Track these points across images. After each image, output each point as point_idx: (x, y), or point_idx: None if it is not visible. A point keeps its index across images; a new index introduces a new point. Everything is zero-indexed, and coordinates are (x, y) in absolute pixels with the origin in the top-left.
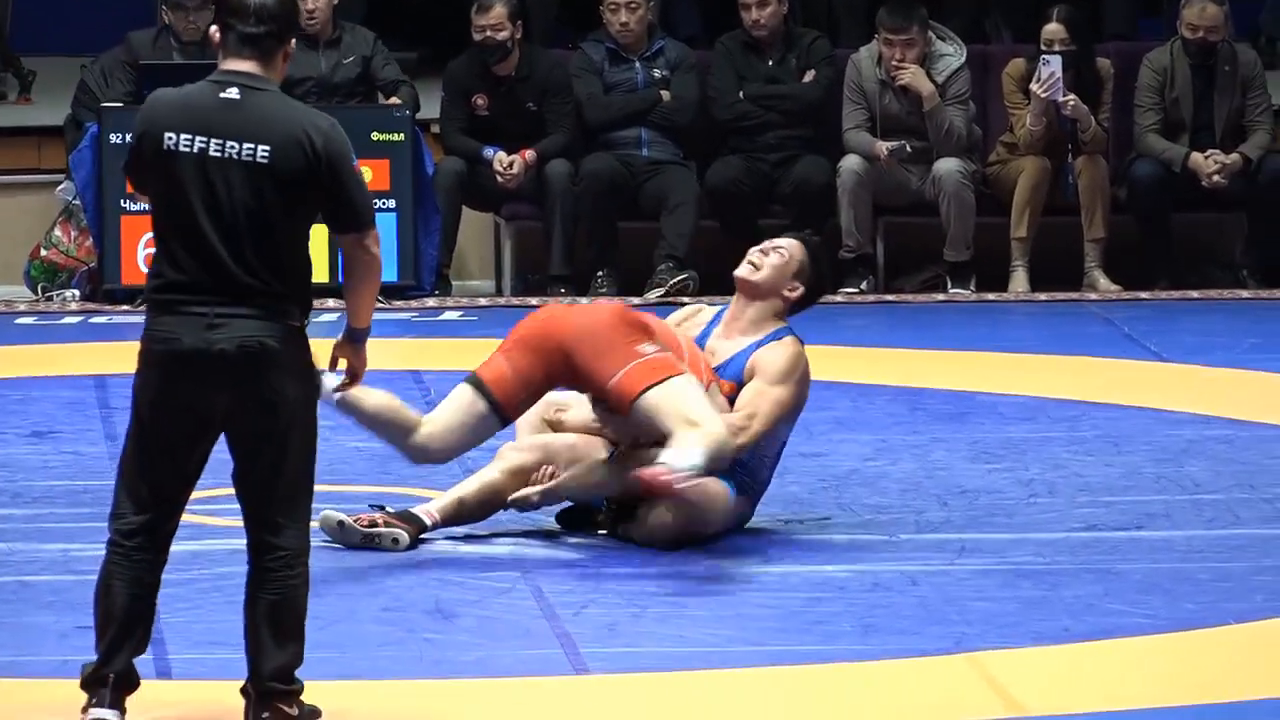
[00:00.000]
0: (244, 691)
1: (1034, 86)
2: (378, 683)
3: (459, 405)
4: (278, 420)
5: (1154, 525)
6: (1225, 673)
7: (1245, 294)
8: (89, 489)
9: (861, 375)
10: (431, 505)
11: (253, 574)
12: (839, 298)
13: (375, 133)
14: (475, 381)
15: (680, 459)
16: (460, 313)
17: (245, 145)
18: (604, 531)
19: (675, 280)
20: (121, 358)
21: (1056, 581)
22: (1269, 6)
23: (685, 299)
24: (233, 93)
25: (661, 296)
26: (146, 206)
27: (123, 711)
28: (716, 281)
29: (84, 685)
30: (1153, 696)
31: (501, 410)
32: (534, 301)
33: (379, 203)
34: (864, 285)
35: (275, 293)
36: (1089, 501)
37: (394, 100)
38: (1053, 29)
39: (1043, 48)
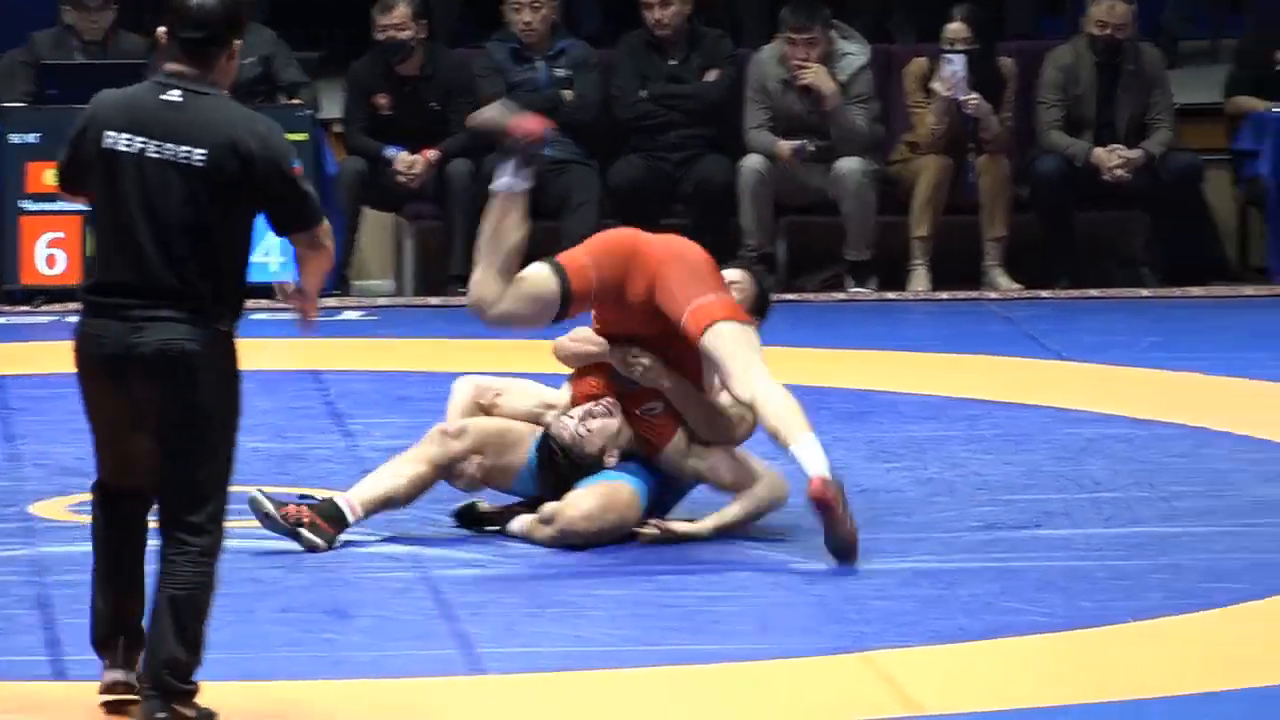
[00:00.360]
0: (140, 687)
1: (936, 85)
2: (275, 683)
3: (535, 279)
4: (195, 423)
5: (1052, 524)
6: (1121, 671)
7: (1146, 292)
8: None
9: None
10: (354, 499)
11: (162, 569)
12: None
13: None
14: (555, 265)
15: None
16: (360, 313)
17: (182, 148)
18: (497, 528)
19: None
20: (20, 359)
21: (954, 580)
22: (1171, 6)
23: None
24: (174, 95)
25: None
26: (46, 207)
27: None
28: None
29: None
30: (1049, 695)
31: (568, 300)
32: (434, 301)
33: None
34: None
35: (203, 296)
36: (988, 500)
37: (295, 100)
38: (955, 28)
39: (945, 47)
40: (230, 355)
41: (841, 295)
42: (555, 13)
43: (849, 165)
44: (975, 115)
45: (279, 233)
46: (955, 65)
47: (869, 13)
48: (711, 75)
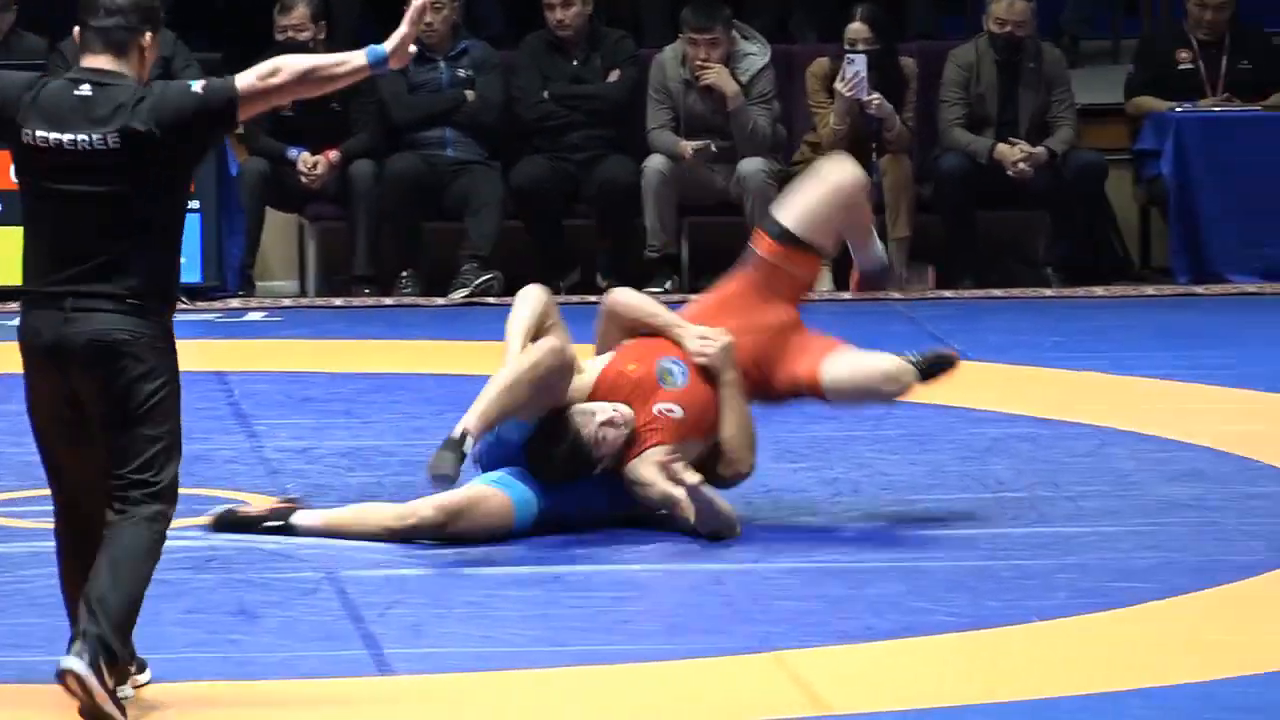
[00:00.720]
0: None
1: (839, 85)
2: (182, 684)
3: None
4: (132, 411)
5: (958, 523)
6: (1029, 670)
7: (1049, 292)
8: None
9: None
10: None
11: (109, 536)
12: None
13: None
14: None
15: None
16: (264, 313)
17: (95, 137)
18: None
19: (480, 280)
20: None
21: (861, 580)
22: (1071, 6)
23: (490, 299)
24: (85, 89)
25: (466, 297)
26: None
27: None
28: (521, 282)
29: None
30: (957, 694)
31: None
32: (338, 302)
33: None
34: (669, 285)
35: (134, 286)
36: (893, 500)
37: None
38: (856, 28)
39: (846, 47)
40: (165, 340)
41: None
42: (457, 13)
43: (751, 166)
44: (878, 115)
45: (230, 122)
46: (857, 65)
47: (770, 13)
48: (614, 76)
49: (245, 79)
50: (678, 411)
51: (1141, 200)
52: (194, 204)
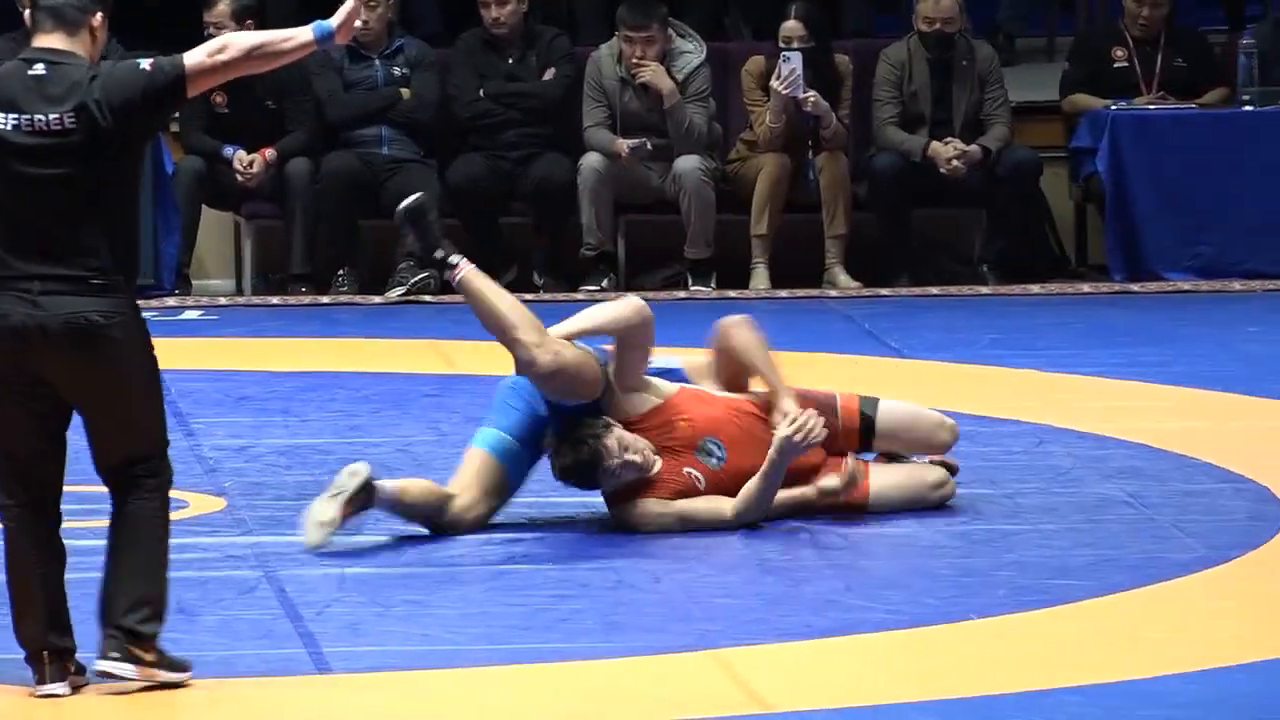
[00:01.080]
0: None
1: (774, 83)
2: (118, 683)
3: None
4: (113, 391)
5: (896, 521)
6: (967, 667)
7: (985, 290)
8: None
9: None
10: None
11: (118, 520)
12: (580, 295)
13: None
14: None
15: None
16: (200, 312)
17: (51, 116)
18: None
19: (416, 279)
20: None
21: (799, 578)
22: (1007, 3)
23: (426, 298)
24: (39, 69)
25: (403, 295)
26: None
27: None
28: None
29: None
30: (896, 692)
31: None
32: (274, 300)
33: None
34: (605, 283)
35: (99, 265)
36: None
37: None
38: (791, 26)
39: (781, 45)
40: (134, 315)
41: (682, 294)
42: (392, 11)
43: (688, 164)
44: (814, 113)
45: (180, 99)
46: (793, 63)
47: (705, 11)
48: (549, 74)
49: (194, 56)
50: (702, 483)
51: (1077, 198)
52: None
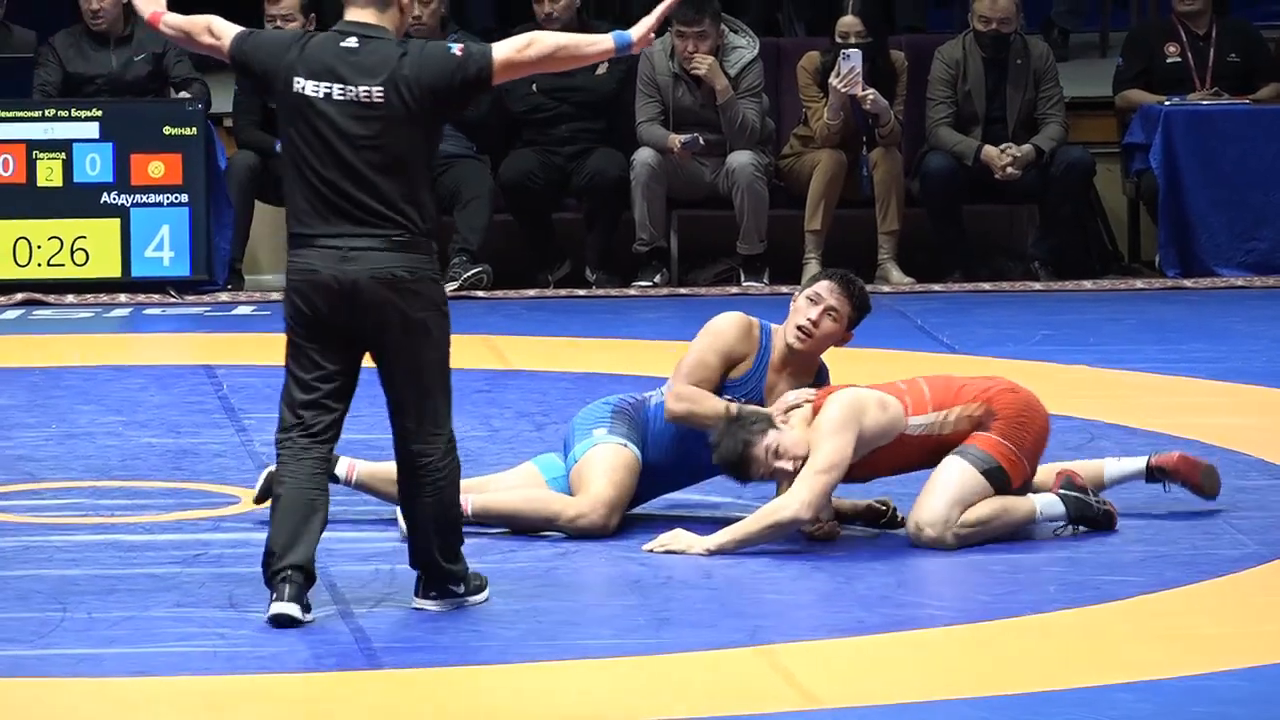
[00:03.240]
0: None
1: (834, 81)
2: (172, 678)
3: None
4: (409, 342)
5: None
6: (1018, 663)
7: (1037, 286)
8: None
9: (653, 369)
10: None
11: (406, 483)
12: (633, 291)
13: (167, 127)
14: None
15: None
16: (253, 307)
17: (362, 88)
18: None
19: (469, 274)
20: None
21: (851, 574)
22: (1061, 0)
23: (479, 293)
24: (351, 42)
25: (455, 290)
26: None
27: (305, 606)
28: (511, 276)
29: (266, 582)
30: (946, 688)
31: None
32: None
33: (171, 197)
34: (658, 278)
35: (405, 225)
36: (882, 493)
37: (184, 95)
38: (848, 21)
39: (838, 40)
40: (435, 275)
41: (734, 289)
42: (445, 6)
43: (741, 159)
44: (873, 111)
45: (479, 89)
46: (853, 61)
47: (759, 7)
48: (602, 69)
49: (502, 49)
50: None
51: (1130, 194)
52: (182, 197)
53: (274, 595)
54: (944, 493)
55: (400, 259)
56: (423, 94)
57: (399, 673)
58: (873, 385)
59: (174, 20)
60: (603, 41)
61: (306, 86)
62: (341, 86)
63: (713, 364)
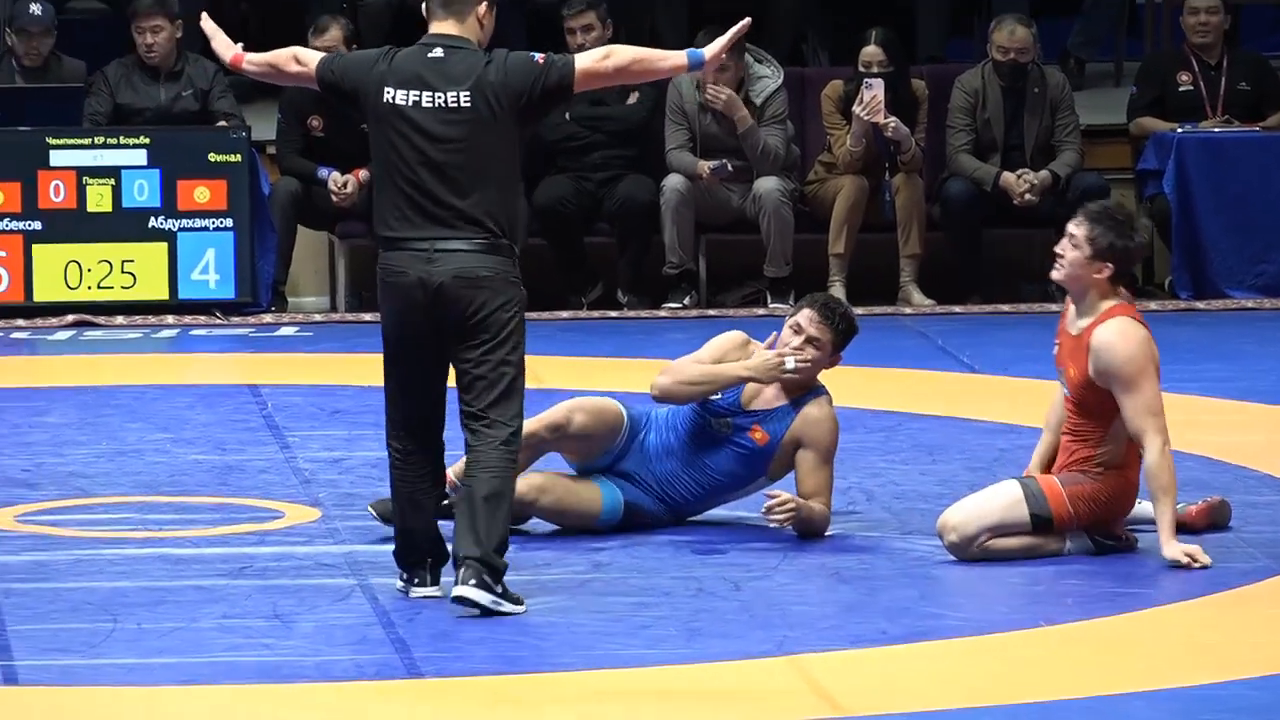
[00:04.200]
0: (454, 559)
1: (857, 109)
2: (219, 687)
3: None
4: (487, 340)
5: None
6: (1036, 673)
7: (1054, 308)
8: None
9: None
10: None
11: (473, 471)
12: (663, 313)
13: (212, 154)
14: None
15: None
16: (296, 328)
17: (450, 95)
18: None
19: None
20: None
21: (874, 586)
22: (1077, 30)
23: None
24: (437, 52)
25: None
26: None
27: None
28: (545, 298)
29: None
30: (967, 696)
31: None
32: (367, 317)
33: (216, 222)
34: (687, 300)
35: (489, 228)
36: (905, 509)
37: (227, 123)
38: (871, 51)
39: (861, 69)
40: (515, 274)
41: (761, 310)
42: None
43: (767, 185)
44: (895, 138)
45: (566, 93)
46: (875, 90)
47: (783, 38)
48: (633, 98)
49: (583, 60)
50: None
51: (1143, 218)
52: (227, 222)
53: (415, 580)
54: (983, 516)
55: (482, 260)
56: (508, 99)
57: (437, 681)
58: None
59: (256, 58)
60: (676, 57)
61: (397, 96)
62: (430, 94)
63: (703, 360)
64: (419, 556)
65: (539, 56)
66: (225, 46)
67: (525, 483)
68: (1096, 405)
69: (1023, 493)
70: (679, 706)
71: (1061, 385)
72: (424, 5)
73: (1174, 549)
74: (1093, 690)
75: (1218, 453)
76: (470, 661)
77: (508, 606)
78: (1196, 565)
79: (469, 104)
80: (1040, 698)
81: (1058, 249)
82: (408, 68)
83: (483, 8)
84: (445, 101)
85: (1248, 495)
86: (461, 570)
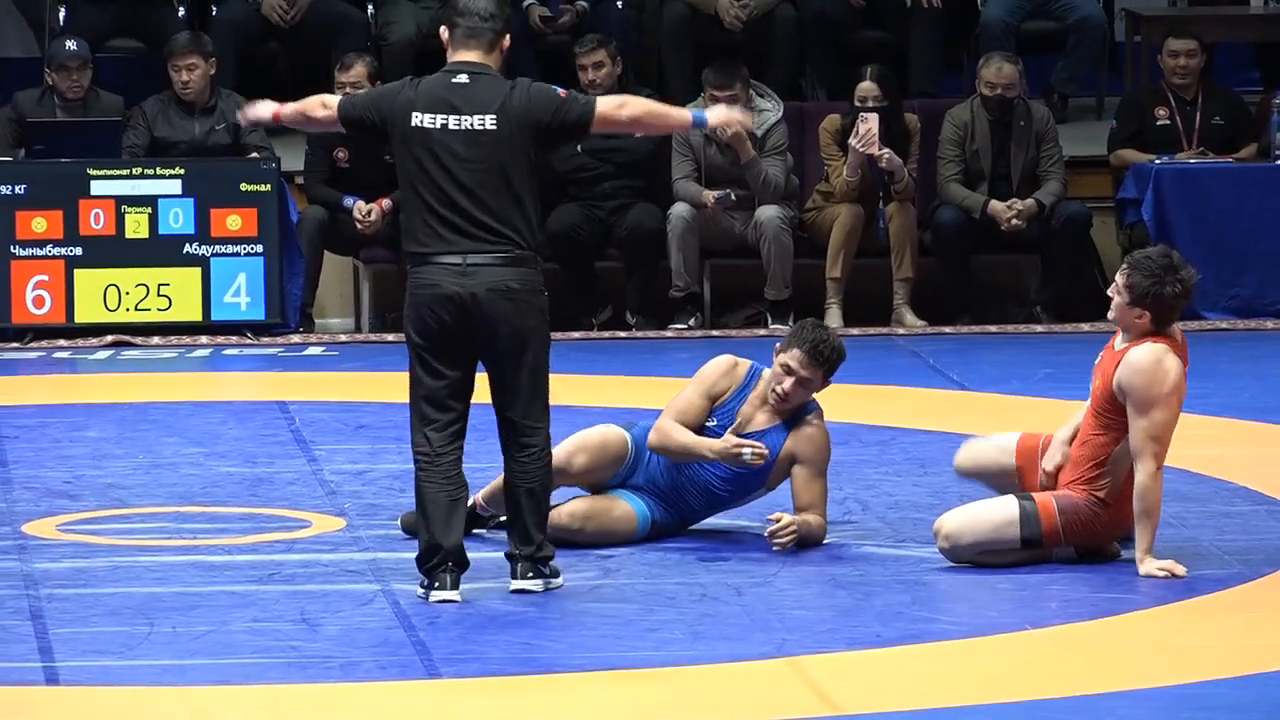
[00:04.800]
0: (508, 556)
1: (852, 141)
2: (249, 687)
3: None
4: (518, 347)
5: None
6: (1023, 674)
7: (1040, 329)
8: None
9: None
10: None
11: (513, 471)
12: (669, 333)
13: (244, 184)
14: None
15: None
16: (322, 348)
17: (475, 117)
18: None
19: None
20: (11, 391)
21: (869, 591)
22: (1060, 67)
23: None
24: (462, 78)
25: None
26: (35, 252)
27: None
28: (557, 319)
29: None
30: (957, 696)
31: None
32: (390, 337)
33: (247, 248)
34: (692, 321)
35: (516, 241)
36: (898, 519)
37: (257, 155)
38: (866, 86)
39: (857, 104)
40: (540, 285)
41: (762, 331)
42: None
43: (768, 213)
44: (888, 169)
45: (579, 134)
46: (870, 123)
47: (784, 73)
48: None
49: (603, 104)
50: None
51: (1124, 244)
52: (258, 248)
53: (435, 584)
54: (977, 530)
55: (512, 273)
56: (529, 124)
57: (455, 682)
58: None
59: (289, 109)
60: (682, 115)
61: (424, 120)
62: (457, 118)
63: (695, 403)
64: (441, 560)
65: (562, 91)
66: (265, 109)
67: (566, 513)
68: (1111, 422)
69: (1019, 514)
70: (684, 705)
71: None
72: (448, 34)
73: (1149, 566)
74: (1077, 690)
75: (1196, 466)
76: (487, 663)
77: (556, 583)
78: (1169, 575)
79: (495, 125)
80: (1027, 697)
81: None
82: (433, 93)
83: (505, 39)
84: (471, 124)
85: (1224, 506)
86: (519, 566)
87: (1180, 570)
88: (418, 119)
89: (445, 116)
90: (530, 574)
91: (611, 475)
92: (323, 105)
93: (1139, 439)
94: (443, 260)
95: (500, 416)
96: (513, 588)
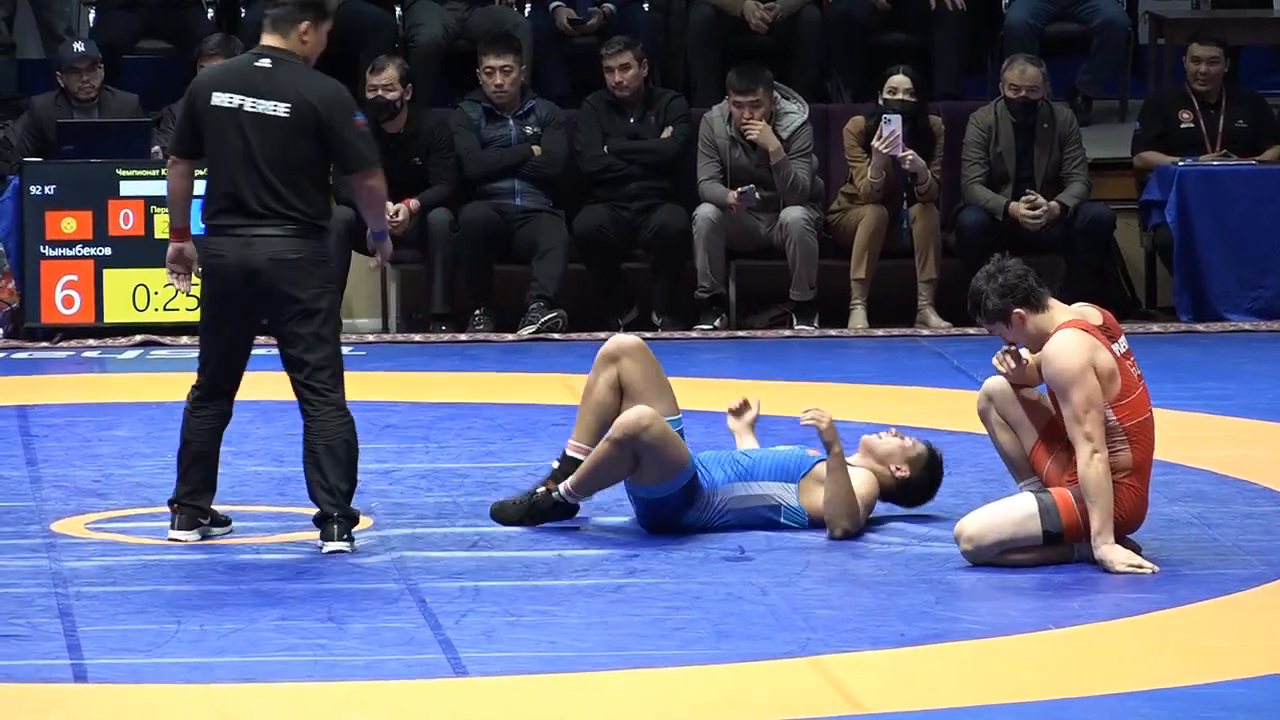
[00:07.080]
0: (318, 520)
1: (876, 143)
2: (276, 685)
3: None
4: (301, 311)
5: None
6: (1045, 674)
7: None
8: (12, 509)
9: (714, 404)
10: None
11: (315, 435)
12: (695, 334)
13: None
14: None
15: None
16: (350, 348)
17: (271, 103)
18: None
19: (546, 318)
20: (40, 390)
21: (893, 591)
22: (1084, 70)
23: (554, 336)
24: (265, 62)
25: (533, 333)
26: (64, 252)
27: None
28: (584, 320)
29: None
30: (980, 695)
31: None
32: (416, 338)
33: None
34: (717, 322)
35: (297, 218)
36: (922, 519)
37: None
38: (898, 79)
39: (886, 97)
40: (326, 255)
41: (787, 332)
42: (525, 75)
43: (793, 214)
44: (911, 170)
45: (343, 171)
46: (893, 125)
47: (808, 76)
48: (667, 132)
49: (368, 175)
50: None
51: (1147, 246)
52: None
53: (173, 524)
54: (999, 529)
55: (295, 244)
56: (315, 121)
57: (481, 680)
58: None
59: (386, 224)
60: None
61: (223, 99)
62: (253, 100)
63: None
64: (197, 485)
65: (359, 120)
66: (385, 246)
67: (636, 412)
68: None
69: (1038, 508)
70: (708, 704)
71: None
72: (264, 20)
73: (1109, 553)
74: (1098, 690)
75: (1219, 466)
76: (512, 662)
77: (356, 545)
78: (1130, 569)
79: (286, 115)
80: (1049, 696)
81: (1006, 355)
82: (235, 74)
83: (303, 26)
84: (266, 110)
85: (1247, 506)
86: (335, 526)
87: (1150, 566)
88: (218, 98)
89: (243, 98)
90: (346, 535)
91: (662, 406)
92: (377, 193)
93: (1068, 426)
94: (230, 233)
95: (291, 381)
96: (325, 549)
